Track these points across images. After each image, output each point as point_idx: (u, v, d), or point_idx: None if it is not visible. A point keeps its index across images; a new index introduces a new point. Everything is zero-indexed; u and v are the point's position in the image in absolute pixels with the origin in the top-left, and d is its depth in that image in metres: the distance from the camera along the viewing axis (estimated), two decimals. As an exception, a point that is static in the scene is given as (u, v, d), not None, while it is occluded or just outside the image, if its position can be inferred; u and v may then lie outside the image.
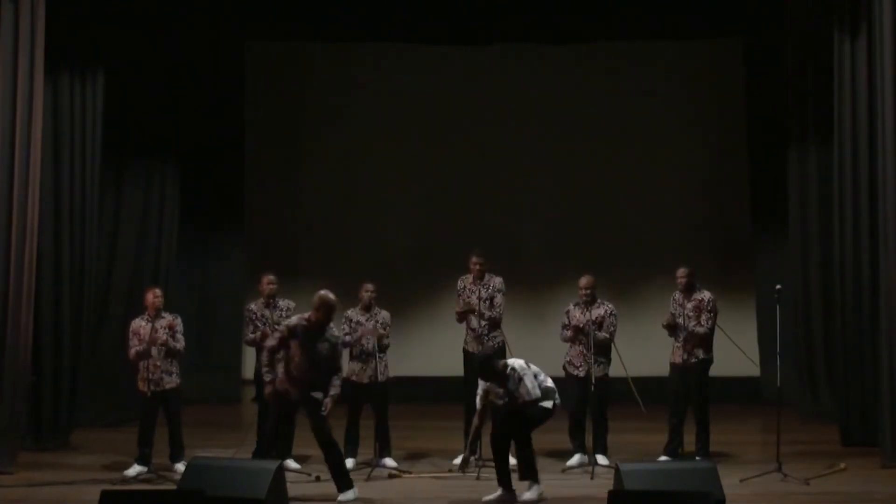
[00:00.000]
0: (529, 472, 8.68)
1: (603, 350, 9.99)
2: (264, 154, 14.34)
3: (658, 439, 10.12)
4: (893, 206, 9.76)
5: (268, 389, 8.78)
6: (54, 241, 10.74)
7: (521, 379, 8.66)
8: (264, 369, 8.84)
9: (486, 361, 8.82)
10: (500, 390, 8.72)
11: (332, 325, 8.89)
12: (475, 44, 13.83)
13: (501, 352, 10.27)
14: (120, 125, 11.78)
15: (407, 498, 8.88)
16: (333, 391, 8.77)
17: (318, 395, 8.74)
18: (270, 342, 8.85)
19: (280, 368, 8.84)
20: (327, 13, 13.32)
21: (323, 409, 8.72)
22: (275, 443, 9.01)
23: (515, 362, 8.80)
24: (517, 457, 8.74)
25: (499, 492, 8.67)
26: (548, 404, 8.77)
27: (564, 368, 10.11)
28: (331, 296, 8.80)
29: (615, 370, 10.11)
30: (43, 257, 10.47)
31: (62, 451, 10.53)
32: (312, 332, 8.74)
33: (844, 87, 10.39)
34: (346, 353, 10.15)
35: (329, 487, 8.99)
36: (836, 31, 10.45)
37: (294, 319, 8.87)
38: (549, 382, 8.89)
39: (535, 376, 8.77)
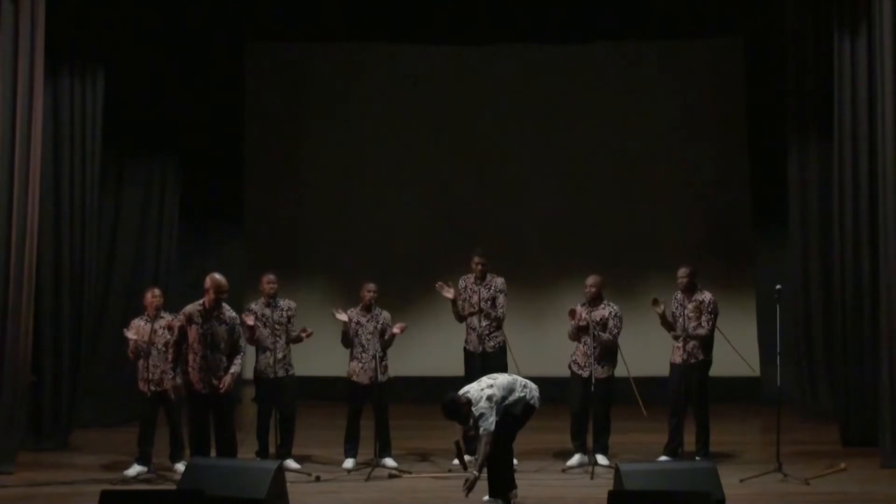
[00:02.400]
0: (499, 489, 8.57)
1: (607, 351, 9.97)
2: (264, 154, 14.32)
3: (658, 439, 10.11)
4: (893, 206, 9.76)
5: (170, 385, 8.79)
6: (54, 241, 10.75)
7: (478, 419, 8.41)
8: (168, 365, 8.87)
9: (450, 404, 8.44)
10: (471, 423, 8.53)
11: (227, 307, 8.96)
12: (475, 44, 13.82)
13: (502, 351, 10.28)
14: (120, 125, 11.77)
15: (407, 498, 8.88)
16: (233, 369, 8.85)
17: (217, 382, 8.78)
18: (175, 336, 8.94)
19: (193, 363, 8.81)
20: (327, 13, 13.31)
21: (221, 386, 8.75)
22: (205, 443, 8.83)
23: (479, 404, 8.40)
24: (489, 474, 8.57)
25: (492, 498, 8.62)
26: (516, 410, 8.59)
27: (569, 367, 10.11)
28: (218, 276, 8.92)
29: (619, 370, 10.08)
30: (43, 257, 10.47)
31: (62, 451, 10.54)
32: (209, 316, 8.84)
33: (844, 87, 10.39)
34: (346, 354, 10.18)
35: (330, 487, 8.98)
36: (836, 31, 10.45)
37: (189, 307, 8.93)
38: (519, 394, 8.57)
39: (503, 400, 8.47)
